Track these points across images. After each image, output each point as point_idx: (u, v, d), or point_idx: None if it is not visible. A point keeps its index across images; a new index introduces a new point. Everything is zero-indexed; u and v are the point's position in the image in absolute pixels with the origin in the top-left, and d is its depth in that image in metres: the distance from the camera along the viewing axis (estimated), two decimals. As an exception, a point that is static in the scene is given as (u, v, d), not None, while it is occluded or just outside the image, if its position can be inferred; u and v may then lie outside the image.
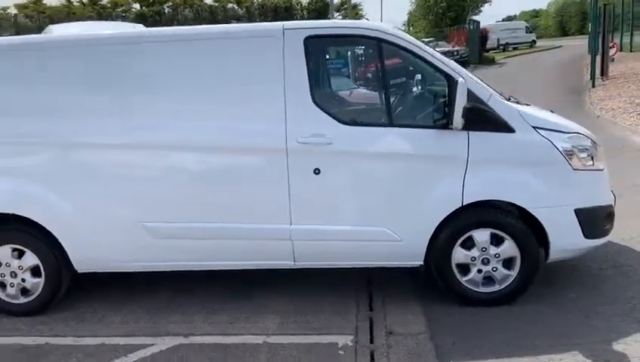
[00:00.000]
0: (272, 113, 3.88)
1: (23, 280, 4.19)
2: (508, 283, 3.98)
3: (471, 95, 3.77)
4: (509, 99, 4.34)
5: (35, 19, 34.00)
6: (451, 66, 3.89)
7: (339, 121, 3.90)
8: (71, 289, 4.42)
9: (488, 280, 4.01)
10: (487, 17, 64.51)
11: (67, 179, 4.04)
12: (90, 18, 32.18)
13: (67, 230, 4.10)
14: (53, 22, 33.08)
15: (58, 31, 7.74)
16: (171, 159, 4.01)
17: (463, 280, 4.01)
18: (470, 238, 3.94)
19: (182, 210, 4.04)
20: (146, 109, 3.97)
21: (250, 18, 33.07)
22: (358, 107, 4.18)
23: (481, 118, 3.80)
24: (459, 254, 3.96)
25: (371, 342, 3.72)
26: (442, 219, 3.89)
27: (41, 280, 4.20)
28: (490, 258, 3.94)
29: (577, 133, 3.99)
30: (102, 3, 36.97)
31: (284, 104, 3.87)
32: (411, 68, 4.32)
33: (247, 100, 3.95)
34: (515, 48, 45.33)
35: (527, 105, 4.45)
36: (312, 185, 3.92)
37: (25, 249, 4.15)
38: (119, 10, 35.08)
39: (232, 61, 3.96)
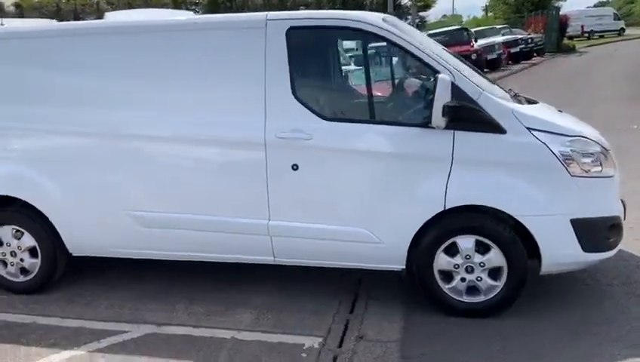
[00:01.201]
0: (253, 106, 3.82)
1: (22, 259, 4.40)
2: (493, 294, 3.72)
3: (458, 92, 3.53)
4: (515, 97, 4.06)
5: (116, 6, 35.52)
6: (441, 62, 3.64)
7: (320, 116, 3.77)
8: (70, 271, 4.60)
9: (473, 289, 3.76)
10: (575, 3, 60.71)
11: (61, 165, 4.19)
12: (165, 5, 33.27)
13: (60, 214, 4.25)
14: (131, 8, 34.42)
15: (112, 18, 8.10)
16: (153, 150, 4.04)
17: (446, 287, 3.78)
18: (454, 244, 3.71)
19: (164, 200, 4.08)
20: (129, 100, 4.02)
21: (318, 5, 32.98)
22: (344, 102, 4.02)
23: (468, 117, 3.54)
24: (442, 260, 3.74)
25: (340, 346, 3.60)
26: (423, 222, 3.69)
27: (37, 261, 4.39)
28: (475, 266, 3.69)
29: (580, 136, 3.63)
30: (177, -11, 38.08)
31: (264, 97, 3.79)
32: (401, 61, 4.10)
33: (230, 92, 3.92)
34: (601, 36, 42.66)
35: (533, 103, 4.14)
36: (290, 182, 3.83)
37: (23, 230, 4.35)
38: (194, -5, 36.09)
39: (217, 52, 3.92)
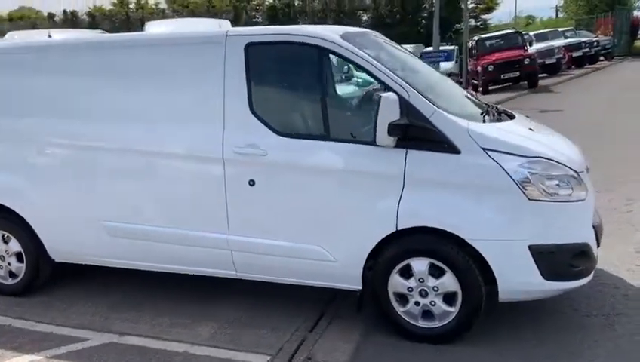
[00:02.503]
0: (213, 121, 3.84)
1: (9, 264, 4.64)
2: (448, 319, 3.55)
3: (410, 110, 3.41)
4: (487, 113, 3.88)
5: (181, 13, 36.78)
6: (395, 79, 3.50)
7: (275, 131, 3.74)
8: (57, 276, 4.81)
9: (428, 314, 3.61)
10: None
11: (41, 175, 4.38)
12: (226, 12, 34.15)
13: (41, 222, 4.46)
14: (195, 15, 35.47)
15: (152, 28, 8.30)
16: (118, 162, 4.13)
17: (401, 311, 3.66)
18: (409, 267, 3.58)
19: (131, 211, 4.17)
20: (98, 113, 4.15)
21: (376, 9, 32.78)
22: (299, 118, 3.96)
23: (419, 136, 3.41)
24: (396, 282, 3.62)
25: (285, 365, 3.56)
26: (376, 243, 3.58)
27: (23, 266, 4.61)
28: (429, 290, 3.54)
29: (540, 157, 3.38)
30: (239, -3, 38.93)
31: (223, 112, 3.81)
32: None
33: (191, 107, 3.96)
34: (681, 38, 39.78)
35: (511, 118, 3.96)
36: (247, 197, 3.82)
37: (10, 236, 4.59)
38: (254, 2, 36.86)
39: (181, 68, 3.98)
